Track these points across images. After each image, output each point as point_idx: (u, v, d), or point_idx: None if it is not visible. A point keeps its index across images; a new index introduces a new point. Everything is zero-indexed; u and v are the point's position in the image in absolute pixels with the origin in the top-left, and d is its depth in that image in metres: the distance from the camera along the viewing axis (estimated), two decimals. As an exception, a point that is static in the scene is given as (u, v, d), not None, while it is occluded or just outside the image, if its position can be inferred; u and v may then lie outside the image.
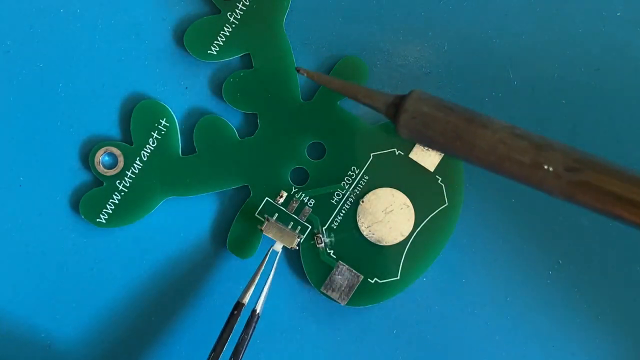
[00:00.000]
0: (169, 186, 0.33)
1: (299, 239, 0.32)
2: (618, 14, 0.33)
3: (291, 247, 0.32)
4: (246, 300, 0.31)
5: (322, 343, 0.33)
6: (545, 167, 0.24)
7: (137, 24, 0.34)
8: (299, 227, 0.32)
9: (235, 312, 0.30)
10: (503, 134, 0.24)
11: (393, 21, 0.33)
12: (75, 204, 0.33)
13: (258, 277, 0.31)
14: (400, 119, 0.26)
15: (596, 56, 0.33)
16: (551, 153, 0.24)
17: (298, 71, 0.29)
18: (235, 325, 0.30)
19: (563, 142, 0.25)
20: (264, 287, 0.31)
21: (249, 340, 0.30)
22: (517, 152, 0.24)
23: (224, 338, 0.30)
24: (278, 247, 0.32)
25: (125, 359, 0.33)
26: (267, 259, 0.31)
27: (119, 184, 0.32)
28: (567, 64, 0.33)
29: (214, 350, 0.30)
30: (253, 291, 0.31)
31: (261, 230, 0.32)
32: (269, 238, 0.32)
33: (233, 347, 0.30)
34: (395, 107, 0.26)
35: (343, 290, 0.32)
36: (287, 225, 0.32)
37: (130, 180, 0.33)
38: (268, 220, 0.32)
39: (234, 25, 0.32)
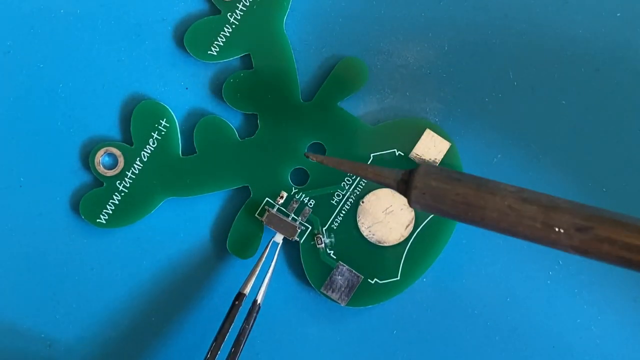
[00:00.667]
0: (169, 187, 0.33)
1: (299, 230, 0.32)
2: (618, 14, 0.33)
3: (292, 239, 0.32)
4: (247, 290, 0.31)
5: (322, 343, 0.33)
6: (557, 229, 0.24)
7: (137, 24, 0.34)
8: (300, 227, 0.32)
9: (237, 302, 0.31)
10: (511, 199, 0.25)
11: (393, 21, 0.33)
12: (75, 205, 0.33)
13: (259, 268, 0.31)
14: (412, 195, 0.26)
15: (596, 56, 0.33)
16: (560, 215, 0.24)
17: (307, 157, 0.29)
18: (236, 316, 0.30)
19: (571, 200, 0.25)
20: (264, 278, 0.31)
21: (249, 331, 0.30)
22: (527, 217, 0.24)
23: (225, 328, 0.30)
24: (279, 238, 0.32)
25: (125, 359, 0.33)
26: (267, 250, 0.32)
27: (119, 184, 0.33)
28: (567, 64, 0.33)
29: (215, 340, 0.30)
30: (254, 283, 0.31)
31: (262, 221, 0.32)
32: (269, 238, 0.32)
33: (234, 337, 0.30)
34: (405, 184, 0.26)
35: (343, 291, 0.32)
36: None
37: (131, 181, 0.33)
38: (269, 211, 0.32)
39: (234, 26, 0.32)
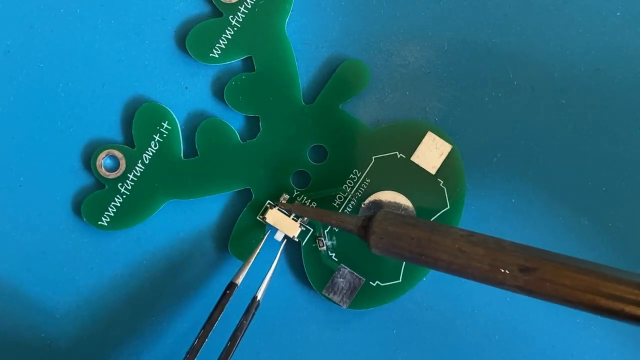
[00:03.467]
0: (170, 189, 0.33)
1: (300, 228, 0.32)
2: (618, 14, 0.33)
3: (292, 236, 0.32)
4: (239, 280, 0.31)
5: (323, 346, 0.33)
6: (502, 270, 0.25)
7: (137, 24, 0.33)
8: (301, 229, 0.32)
9: (228, 291, 0.31)
10: (461, 242, 0.26)
11: (393, 21, 0.33)
12: (76, 205, 0.33)
13: (253, 258, 0.31)
14: (370, 239, 0.28)
15: (596, 56, 0.33)
16: (505, 256, 0.25)
17: (275, 205, 0.32)
18: (226, 306, 0.31)
19: (517, 243, 0.26)
20: (266, 275, 0.31)
21: (247, 327, 0.30)
22: (475, 259, 0.26)
23: (214, 316, 0.30)
24: (279, 236, 0.32)
25: (125, 359, 0.33)
26: (262, 242, 0.32)
27: (121, 186, 0.32)
28: (567, 64, 0.33)
29: (203, 327, 0.30)
30: (256, 281, 0.31)
31: (263, 219, 0.32)
32: (270, 240, 0.32)
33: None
34: (365, 229, 0.28)
35: (345, 293, 0.32)
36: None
37: (132, 183, 0.32)
38: (271, 207, 0.32)
39: (235, 29, 0.32)
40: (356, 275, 0.32)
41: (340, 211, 0.32)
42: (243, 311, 0.31)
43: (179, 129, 0.33)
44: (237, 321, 0.30)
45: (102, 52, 0.33)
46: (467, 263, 0.26)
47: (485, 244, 0.26)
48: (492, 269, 0.25)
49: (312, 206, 0.32)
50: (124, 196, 0.33)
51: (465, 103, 0.33)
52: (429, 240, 0.27)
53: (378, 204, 0.32)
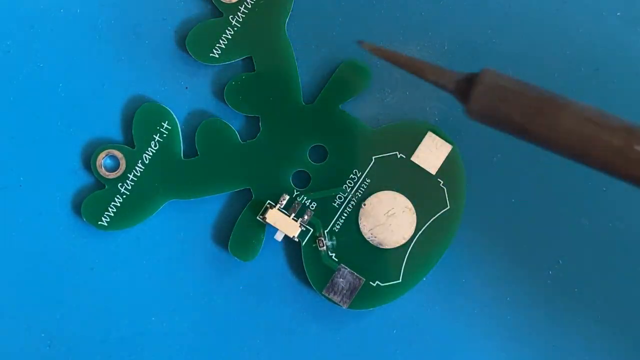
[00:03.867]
0: (170, 189, 0.33)
1: (300, 228, 0.32)
2: (618, 14, 0.33)
3: (293, 236, 0.32)
4: None
5: (323, 346, 0.33)
6: (636, 147, 0.21)
7: (137, 24, 0.33)
8: (301, 229, 0.32)
9: None
10: (591, 112, 0.22)
11: (393, 21, 0.33)
12: (76, 205, 0.33)
13: None
14: (475, 91, 0.23)
15: (596, 56, 0.33)
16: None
17: (360, 44, 0.26)
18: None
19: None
20: None
21: None
22: (607, 132, 0.22)
23: None
24: (279, 236, 0.32)
25: (125, 359, 0.33)
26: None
27: (121, 186, 0.32)
28: (567, 64, 0.33)
29: None
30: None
31: (263, 219, 0.32)
32: (270, 240, 0.32)
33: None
34: (467, 83, 0.23)
35: (345, 294, 0.32)
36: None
37: (132, 183, 0.33)
38: (271, 207, 0.32)
39: (235, 29, 0.32)
40: (356, 276, 0.32)
41: (342, 209, 0.32)
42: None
43: (179, 129, 0.33)
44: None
45: (102, 52, 0.33)
46: (596, 134, 0.22)
47: (620, 119, 0.22)
48: (626, 146, 0.21)
49: (312, 204, 0.32)
50: (124, 196, 0.33)
51: (465, 103, 0.33)
52: (550, 102, 0.22)
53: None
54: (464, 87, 0.23)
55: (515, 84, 0.23)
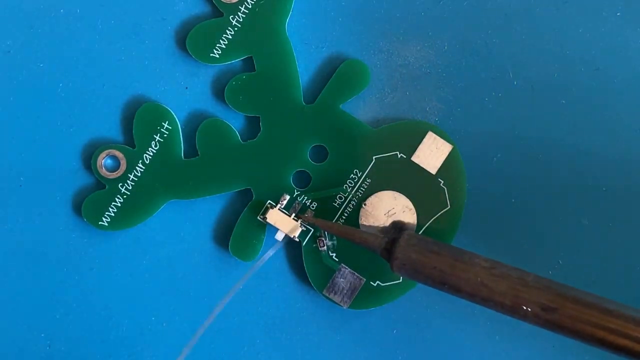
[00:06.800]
0: (171, 189, 0.33)
1: (301, 228, 0.32)
2: (618, 14, 0.33)
3: (293, 236, 0.32)
4: None
5: (323, 346, 0.33)
6: (524, 307, 0.26)
7: (137, 24, 0.33)
8: (302, 229, 0.32)
9: None
10: (483, 275, 0.27)
11: (393, 21, 0.33)
12: (76, 205, 0.33)
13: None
14: (393, 265, 0.28)
15: (596, 56, 0.33)
16: (528, 294, 0.26)
17: (299, 218, 0.32)
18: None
19: (540, 277, 0.27)
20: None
21: None
22: (498, 294, 0.27)
23: None
24: (280, 236, 0.32)
25: (125, 359, 0.33)
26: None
27: (122, 187, 0.32)
28: (567, 64, 0.33)
29: None
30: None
31: (264, 219, 0.32)
32: (271, 240, 0.32)
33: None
34: (388, 253, 0.29)
35: (345, 294, 0.32)
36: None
37: (133, 184, 0.32)
38: (271, 207, 0.32)
39: (236, 29, 0.32)
40: (357, 276, 0.32)
41: (342, 209, 0.32)
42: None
43: (180, 129, 0.33)
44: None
45: (102, 52, 0.33)
46: (490, 297, 0.27)
47: (508, 277, 0.27)
48: (514, 305, 0.26)
49: (312, 204, 0.32)
50: (125, 196, 0.33)
51: (465, 103, 0.33)
52: (452, 271, 0.27)
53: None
54: (386, 256, 0.29)
55: (425, 255, 0.28)
